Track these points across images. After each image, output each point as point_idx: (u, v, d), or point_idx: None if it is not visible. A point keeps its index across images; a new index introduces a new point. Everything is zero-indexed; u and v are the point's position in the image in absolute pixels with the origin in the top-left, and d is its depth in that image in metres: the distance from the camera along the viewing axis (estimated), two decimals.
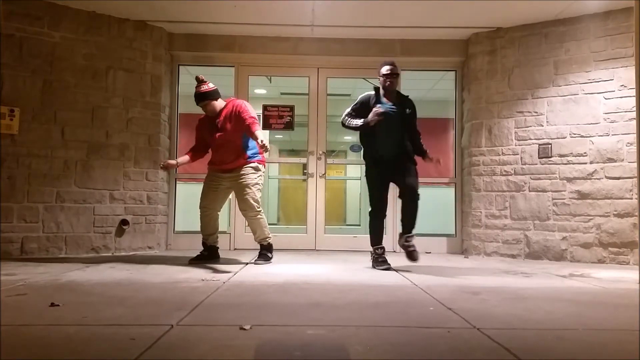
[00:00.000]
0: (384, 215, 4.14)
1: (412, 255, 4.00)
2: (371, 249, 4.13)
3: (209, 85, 4.12)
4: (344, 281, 3.37)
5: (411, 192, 3.97)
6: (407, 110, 4.09)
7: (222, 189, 4.24)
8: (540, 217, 4.96)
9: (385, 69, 4.04)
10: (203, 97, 4.09)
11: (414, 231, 4.07)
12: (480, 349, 1.78)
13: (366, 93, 4.12)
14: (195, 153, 4.34)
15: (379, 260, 4.02)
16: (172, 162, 4.32)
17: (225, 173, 4.18)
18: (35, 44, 4.65)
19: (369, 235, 4.15)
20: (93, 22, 4.94)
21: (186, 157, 4.33)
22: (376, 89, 4.11)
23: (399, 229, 4.13)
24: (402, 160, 4.06)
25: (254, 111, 4.14)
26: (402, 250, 4.09)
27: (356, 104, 4.09)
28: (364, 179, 4.23)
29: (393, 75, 4.03)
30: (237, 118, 4.06)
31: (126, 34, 5.12)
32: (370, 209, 4.14)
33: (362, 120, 3.96)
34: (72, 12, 4.84)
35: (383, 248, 4.09)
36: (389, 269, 3.92)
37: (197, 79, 4.15)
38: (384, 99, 4.07)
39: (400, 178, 4.03)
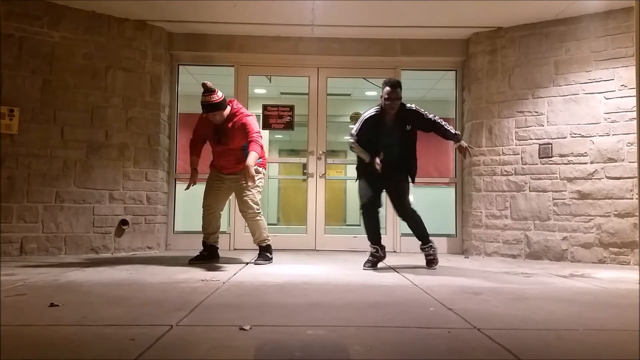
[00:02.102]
0: (375, 210, 4.10)
1: (428, 263, 4.15)
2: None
3: (219, 95, 4.00)
4: (344, 281, 3.37)
5: (404, 213, 4.15)
6: (407, 126, 4.05)
7: (224, 189, 4.28)
8: (541, 217, 4.96)
9: (385, 91, 3.92)
10: (215, 108, 3.99)
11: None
12: (480, 349, 1.78)
13: (369, 113, 4.01)
14: (198, 148, 4.33)
15: (367, 259, 4.08)
16: (195, 174, 4.23)
17: (227, 175, 4.22)
18: (34, 43, 4.64)
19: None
20: (92, 22, 4.93)
21: (196, 159, 4.30)
22: (380, 107, 4.01)
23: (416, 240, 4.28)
24: (396, 176, 4.09)
25: (257, 126, 4.16)
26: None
27: (361, 127, 4.00)
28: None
29: (393, 100, 3.91)
30: (241, 131, 4.06)
31: (126, 33, 5.11)
32: (360, 207, 4.13)
33: (368, 157, 3.95)
34: (72, 11, 4.83)
35: (376, 248, 4.10)
36: (371, 268, 3.98)
37: (205, 86, 3.99)
38: (387, 118, 4.00)
39: (393, 197, 4.18)
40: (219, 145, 4.16)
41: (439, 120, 4.05)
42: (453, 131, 4.03)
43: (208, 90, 3.98)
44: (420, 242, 4.18)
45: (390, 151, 4.02)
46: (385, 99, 3.93)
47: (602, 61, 4.76)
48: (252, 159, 3.88)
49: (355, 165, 4.25)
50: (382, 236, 4.20)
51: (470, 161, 5.38)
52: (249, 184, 3.89)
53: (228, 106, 4.12)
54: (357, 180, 4.17)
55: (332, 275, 3.64)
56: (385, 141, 4.01)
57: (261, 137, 4.11)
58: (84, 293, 2.78)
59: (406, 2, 4.70)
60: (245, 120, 4.08)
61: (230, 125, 4.09)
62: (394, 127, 4.02)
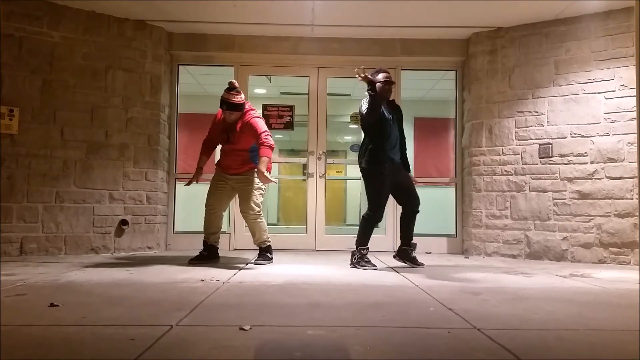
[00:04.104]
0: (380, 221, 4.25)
1: (418, 262, 4.19)
2: (354, 248, 4.13)
3: (242, 97, 4.08)
4: (343, 281, 3.37)
5: (417, 208, 4.18)
6: (399, 117, 4.22)
7: (227, 189, 4.30)
8: (541, 217, 4.95)
9: (383, 76, 4.07)
10: (234, 108, 4.05)
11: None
12: (480, 349, 1.78)
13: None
14: (209, 148, 4.37)
15: (365, 261, 4.06)
16: (199, 172, 4.27)
17: (232, 175, 4.24)
18: (34, 43, 4.64)
19: (357, 235, 4.13)
20: (92, 22, 4.93)
21: (204, 159, 4.34)
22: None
23: (399, 243, 4.28)
24: (404, 171, 4.20)
25: (265, 126, 4.18)
26: (408, 262, 4.18)
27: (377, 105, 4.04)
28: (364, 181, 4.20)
29: (392, 83, 4.13)
30: (249, 132, 4.09)
31: (125, 33, 5.11)
32: (368, 212, 4.08)
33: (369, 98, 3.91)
34: (72, 11, 4.83)
35: (368, 248, 4.12)
36: (376, 269, 3.98)
37: (231, 84, 4.06)
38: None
39: (406, 192, 4.18)
40: (227, 144, 4.20)
41: None
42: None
43: (234, 89, 4.05)
44: (407, 245, 4.20)
45: (395, 141, 4.12)
46: (385, 82, 4.05)
47: (602, 61, 4.76)
48: (263, 165, 3.97)
49: (359, 164, 4.22)
50: (382, 236, 4.20)
51: (470, 161, 5.39)
52: (263, 183, 4.10)
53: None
54: (378, 176, 4.04)
55: (332, 275, 3.64)
56: (392, 129, 4.10)
57: (270, 136, 4.13)
58: (84, 293, 2.78)
59: (406, 2, 4.70)
60: (252, 120, 4.12)
61: (239, 125, 4.12)
62: (391, 114, 4.15)
